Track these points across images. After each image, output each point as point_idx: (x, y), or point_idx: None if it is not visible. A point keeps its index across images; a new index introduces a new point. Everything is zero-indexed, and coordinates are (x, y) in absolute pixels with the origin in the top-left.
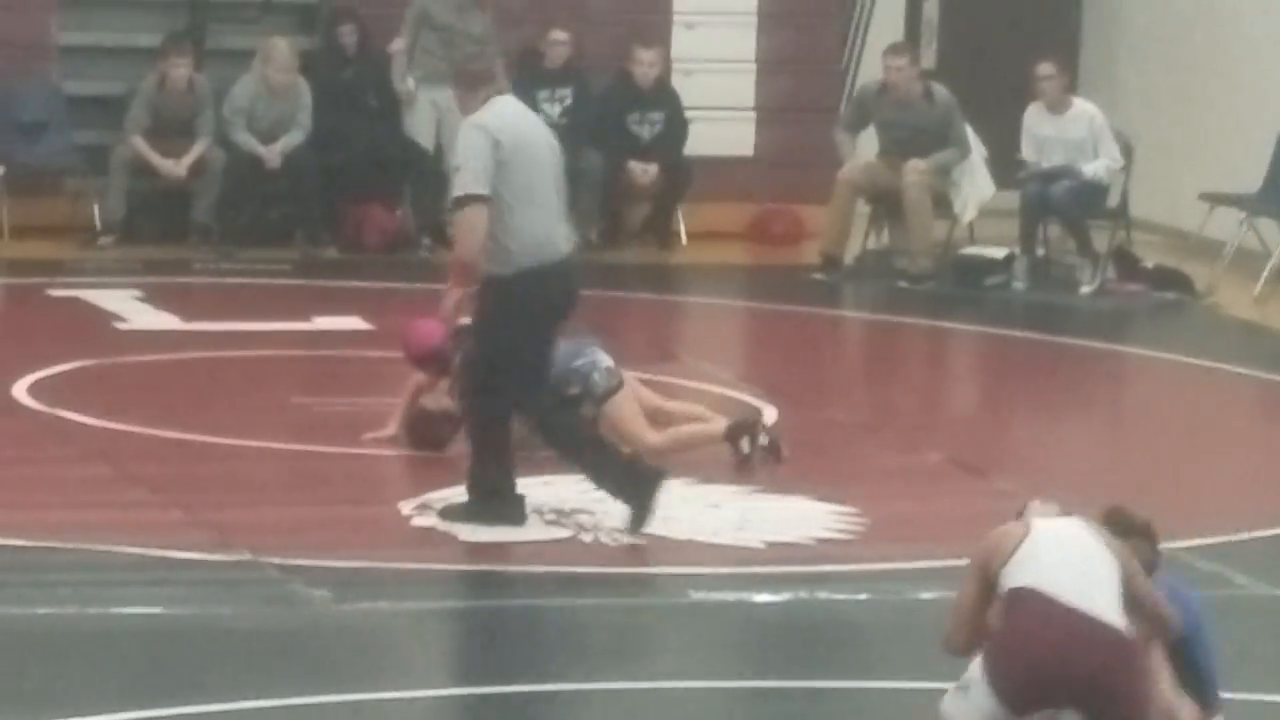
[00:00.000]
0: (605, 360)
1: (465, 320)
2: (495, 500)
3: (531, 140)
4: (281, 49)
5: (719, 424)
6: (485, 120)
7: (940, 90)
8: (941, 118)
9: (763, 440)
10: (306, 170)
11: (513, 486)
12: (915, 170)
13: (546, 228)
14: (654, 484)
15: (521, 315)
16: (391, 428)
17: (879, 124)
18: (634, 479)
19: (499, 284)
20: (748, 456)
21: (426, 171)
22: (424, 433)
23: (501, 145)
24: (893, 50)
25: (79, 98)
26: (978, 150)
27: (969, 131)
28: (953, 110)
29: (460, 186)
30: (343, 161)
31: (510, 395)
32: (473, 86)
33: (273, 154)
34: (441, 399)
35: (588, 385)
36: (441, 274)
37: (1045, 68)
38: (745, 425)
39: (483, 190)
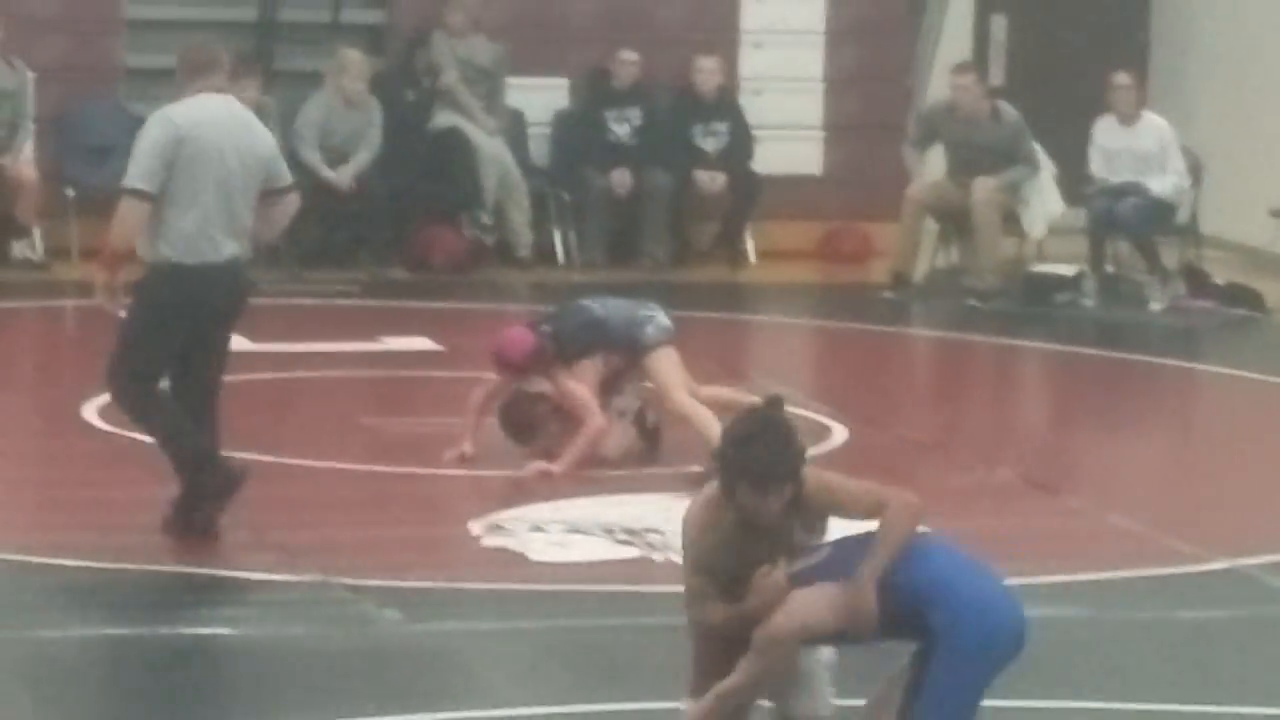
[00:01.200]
0: (665, 320)
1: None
2: (203, 474)
3: (214, 143)
4: (355, 59)
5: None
6: (174, 114)
7: (1007, 108)
8: (1009, 136)
9: None
10: (374, 191)
11: (209, 451)
12: (984, 188)
13: (201, 229)
14: (221, 482)
15: (158, 308)
16: (469, 444)
17: (947, 143)
18: (201, 468)
19: (147, 273)
20: None
21: (475, 169)
22: (519, 415)
23: (182, 142)
24: (959, 69)
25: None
26: (1046, 167)
27: (1037, 149)
28: (1020, 128)
29: (127, 177)
30: (409, 182)
31: (147, 371)
32: (188, 75)
33: (344, 177)
34: (538, 383)
35: (640, 335)
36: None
37: (1121, 77)
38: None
39: (145, 187)
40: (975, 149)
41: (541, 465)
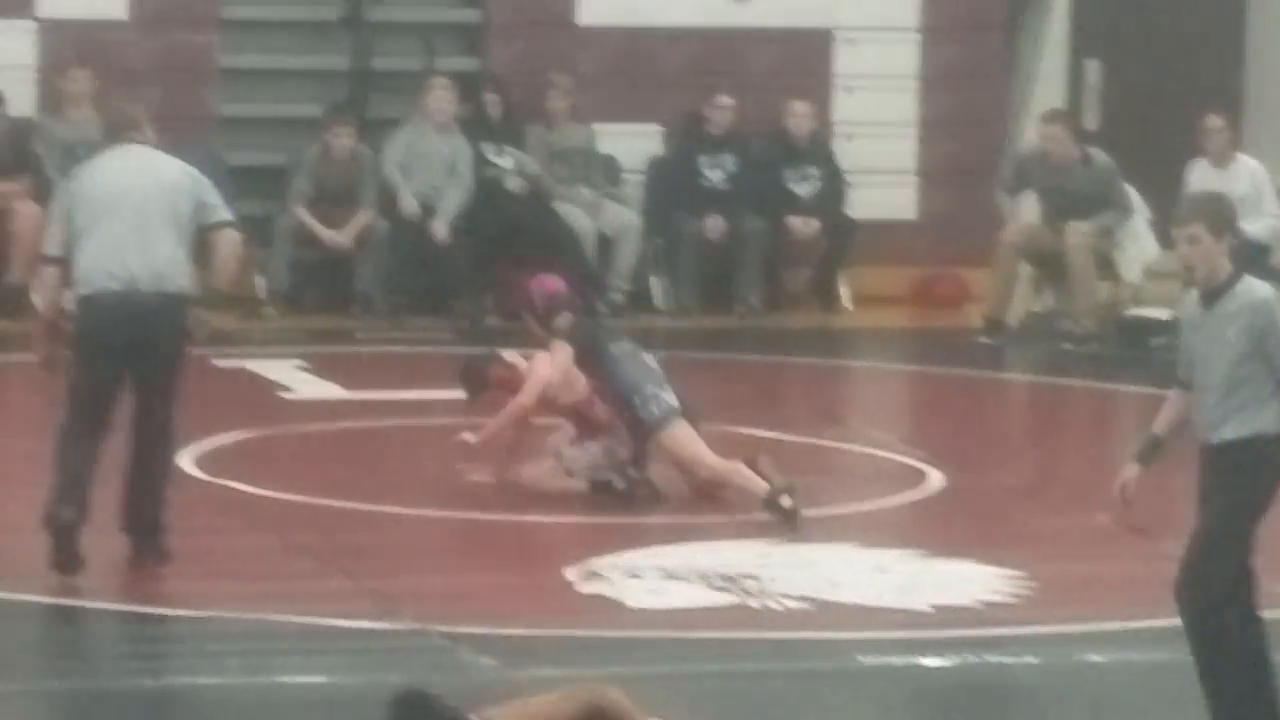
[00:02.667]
0: (670, 400)
1: None
2: (55, 508)
3: (104, 186)
4: (440, 84)
5: (759, 486)
6: (79, 175)
7: (1098, 154)
8: (1100, 181)
9: (786, 503)
10: (467, 239)
11: (72, 497)
12: (1078, 233)
13: (97, 259)
14: (58, 545)
15: (78, 340)
16: (483, 434)
17: (1039, 189)
18: (72, 485)
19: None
20: (789, 512)
21: (574, 243)
22: (476, 370)
23: (74, 195)
24: (1048, 118)
25: (241, 168)
26: (1141, 212)
27: (1131, 193)
28: (1111, 173)
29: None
30: (500, 230)
31: (75, 405)
32: (107, 136)
33: (440, 228)
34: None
35: (644, 413)
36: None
37: (1213, 120)
38: (778, 491)
39: (50, 252)
40: (1067, 195)
41: (465, 436)
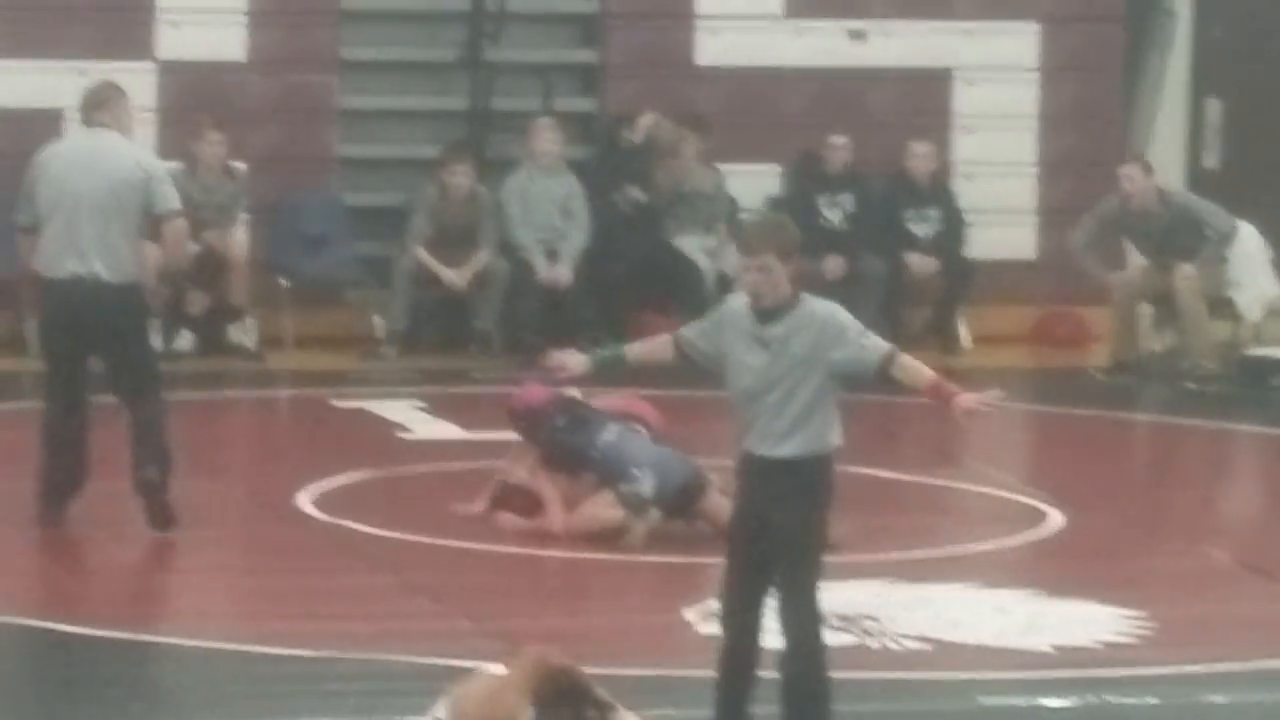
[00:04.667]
0: (647, 487)
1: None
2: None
3: (61, 171)
4: (545, 124)
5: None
6: (41, 152)
7: (1172, 191)
8: (1181, 216)
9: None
10: (584, 279)
11: (59, 486)
12: (1184, 276)
13: (53, 247)
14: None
15: (41, 317)
16: (479, 504)
17: (1130, 236)
18: (56, 490)
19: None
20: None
21: (694, 281)
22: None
23: (37, 174)
24: (1125, 164)
25: (360, 209)
26: (1261, 251)
27: (1247, 228)
28: (1186, 206)
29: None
30: (618, 270)
31: (50, 379)
32: (82, 114)
33: (564, 272)
34: (519, 472)
35: (629, 488)
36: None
37: None
38: None
39: (20, 219)
40: (1154, 237)
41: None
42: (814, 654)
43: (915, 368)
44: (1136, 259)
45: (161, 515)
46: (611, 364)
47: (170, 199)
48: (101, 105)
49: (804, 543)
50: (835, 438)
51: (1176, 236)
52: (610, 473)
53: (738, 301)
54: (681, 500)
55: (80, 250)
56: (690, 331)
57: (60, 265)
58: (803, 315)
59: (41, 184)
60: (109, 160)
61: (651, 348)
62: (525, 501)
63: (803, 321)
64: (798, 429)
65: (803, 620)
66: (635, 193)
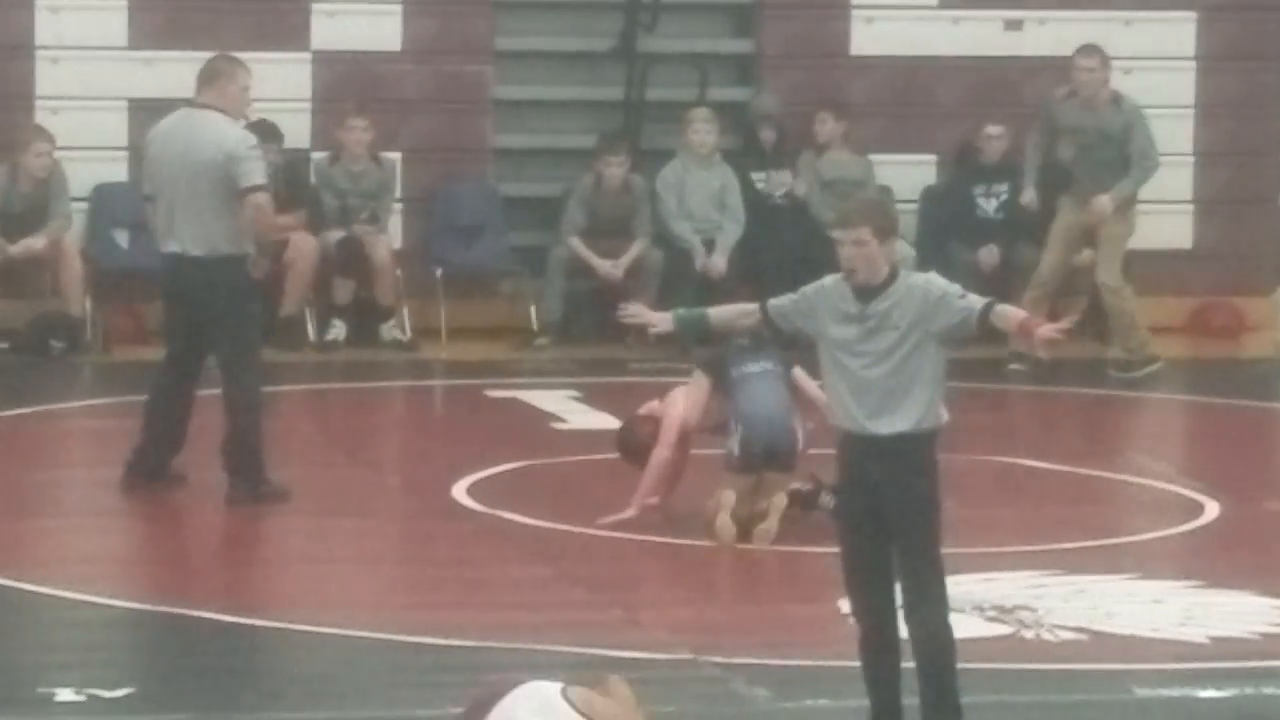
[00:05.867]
0: (735, 444)
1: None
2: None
3: (163, 150)
4: (699, 116)
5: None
6: (153, 131)
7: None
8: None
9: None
10: (741, 268)
11: (145, 457)
12: None
13: (158, 225)
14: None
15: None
16: (633, 509)
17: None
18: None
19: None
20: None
21: None
22: (630, 438)
23: (146, 149)
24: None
25: (515, 199)
26: None
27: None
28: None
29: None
30: (771, 259)
31: (168, 345)
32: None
33: (719, 262)
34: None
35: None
36: None
37: None
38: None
39: (147, 191)
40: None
41: (610, 519)
42: (943, 634)
43: (1011, 312)
44: None
45: (233, 495)
46: (694, 324)
47: (249, 175)
48: (208, 83)
49: (922, 517)
50: (941, 413)
51: None
52: (726, 413)
53: (834, 280)
54: (769, 464)
55: (175, 228)
56: (781, 302)
57: (164, 242)
58: (901, 290)
59: (146, 162)
60: (194, 140)
61: (735, 313)
62: (654, 430)
63: (902, 295)
64: (909, 404)
65: (930, 602)
66: (784, 180)
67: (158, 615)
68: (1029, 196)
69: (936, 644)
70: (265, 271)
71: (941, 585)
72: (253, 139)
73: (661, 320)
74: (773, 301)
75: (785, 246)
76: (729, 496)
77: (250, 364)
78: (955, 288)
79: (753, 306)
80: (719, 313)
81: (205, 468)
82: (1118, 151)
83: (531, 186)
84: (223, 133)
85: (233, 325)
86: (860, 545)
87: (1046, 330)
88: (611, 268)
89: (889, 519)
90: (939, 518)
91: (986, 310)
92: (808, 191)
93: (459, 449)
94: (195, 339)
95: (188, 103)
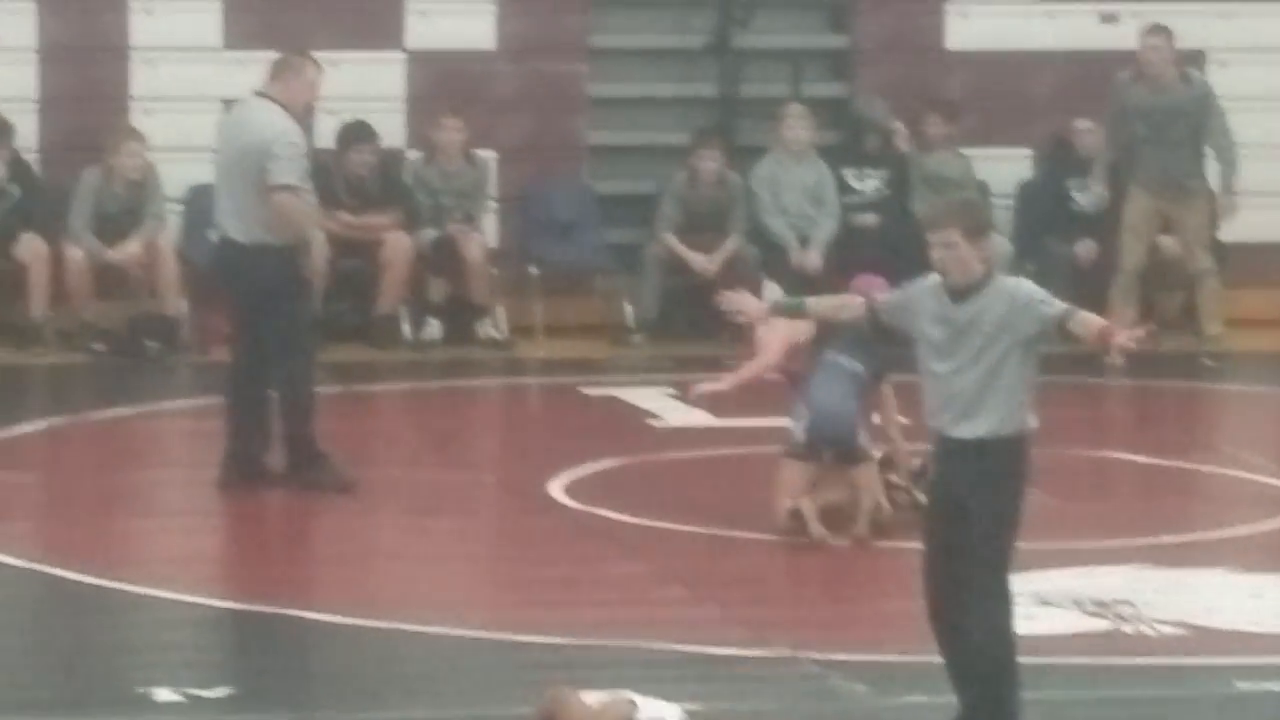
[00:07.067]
0: (799, 431)
1: None
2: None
3: (220, 137)
4: (794, 112)
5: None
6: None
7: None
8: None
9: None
10: (834, 264)
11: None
12: None
13: (217, 210)
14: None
15: None
16: (725, 383)
17: None
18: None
19: None
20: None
21: None
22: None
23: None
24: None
25: (610, 197)
26: None
27: None
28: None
29: None
30: (867, 255)
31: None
32: None
33: (813, 258)
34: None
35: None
36: None
37: None
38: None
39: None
40: None
41: (703, 388)
42: (1001, 641)
43: (1089, 321)
44: None
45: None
46: (791, 312)
47: (278, 173)
48: (275, 76)
49: (996, 526)
50: (1030, 418)
51: None
52: (797, 395)
53: (933, 280)
54: (834, 455)
55: (223, 213)
56: (887, 297)
57: (215, 228)
58: (993, 293)
59: (218, 153)
60: (243, 128)
61: (835, 304)
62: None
63: (993, 298)
64: (991, 409)
65: (991, 606)
66: (876, 180)
67: (256, 615)
68: (1095, 194)
69: (985, 656)
70: (314, 271)
71: (1001, 595)
72: (295, 137)
73: (757, 308)
74: (878, 296)
75: (883, 242)
76: (798, 486)
77: (292, 355)
78: (1041, 293)
79: (856, 299)
80: (818, 302)
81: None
82: (1191, 129)
83: (626, 184)
84: (267, 123)
85: (273, 314)
86: (935, 545)
87: (1122, 338)
88: (706, 263)
89: (966, 522)
90: (1011, 527)
91: (1064, 319)
92: (908, 188)
93: (555, 447)
94: (248, 325)
95: (257, 93)
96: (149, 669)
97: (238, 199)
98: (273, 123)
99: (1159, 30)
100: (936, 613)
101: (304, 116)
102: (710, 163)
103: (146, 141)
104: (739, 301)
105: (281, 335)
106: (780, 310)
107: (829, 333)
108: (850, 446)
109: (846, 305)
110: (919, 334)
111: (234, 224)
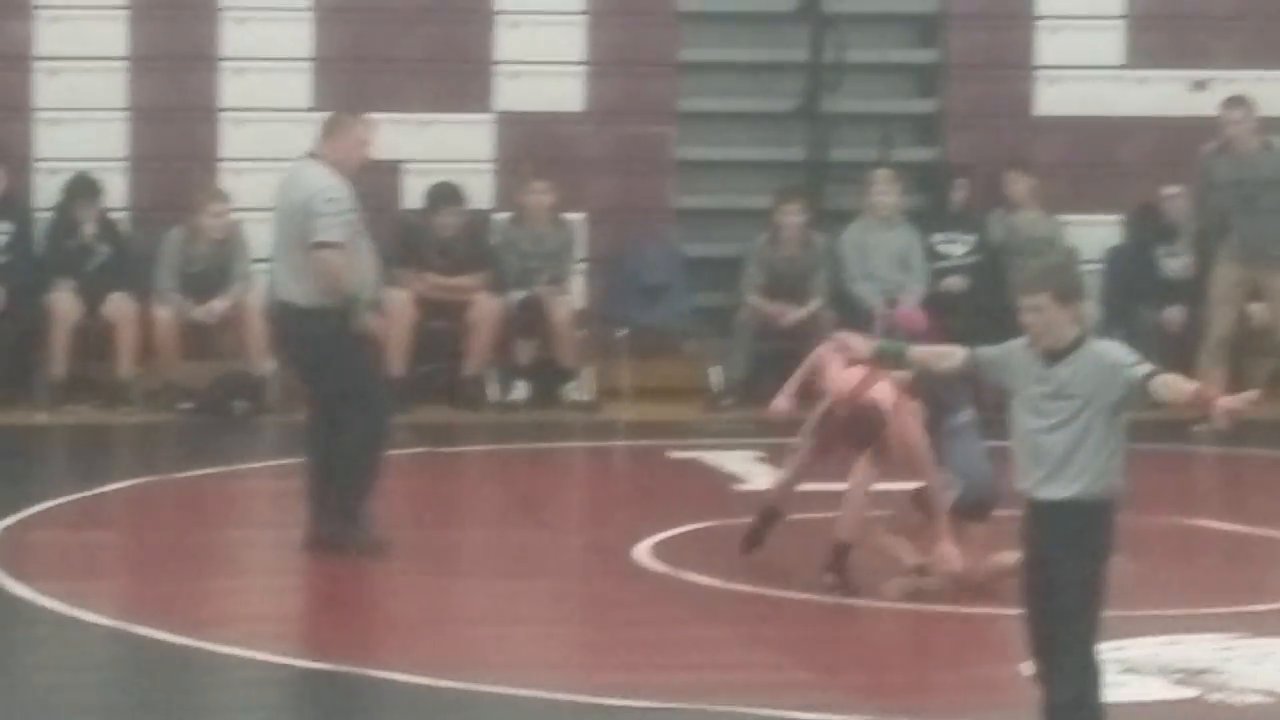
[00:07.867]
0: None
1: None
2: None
3: (279, 201)
4: (882, 176)
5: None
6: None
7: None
8: None
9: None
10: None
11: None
12: None
13: (272, 269)
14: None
15: None
16: (783, 401)
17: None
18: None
19: None
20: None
21: None
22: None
23: None
24: None
25: (698, 260)
26: None
27: None
28: None
29: None
30: (957, 321)
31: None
32: None
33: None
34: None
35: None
36: None
37: None
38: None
39: None
40: None
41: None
42: (1085, 711)
43: (1178, 382)
44: None
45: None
46: (893, 355)
47: (319, 231)
48: (324, 136)
49: (1083, 597)
50: (1118, 482)
51: None
52: (939, 461)
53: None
54: (972, 515)
55: (276, 274)
56: (989, 351)
57: (273, 289)
58: (1086, 356)
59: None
60: (291, 188)
61: (939, 353)
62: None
63: (1086, 362)
64: (1078, 470)
65: (1075, 676)
66: (963, 245)
67: (339, 675)
68: (1184, 262)
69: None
70: (372, 328)
71: (1083, 659)
72: (336, 193)
73: (862, 346)
74: (981, 348)
75: (973, 307)
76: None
77: (359, 414)
78: (1130, 357)
79: (958, 350)
80: (920, 351)
81: (388, 526)
82: (1278, 198)
83: (714, 247)
84: (311, 182)
85: (330, 374)
86: (1033, 610)
87: (1228, 401)
88: (794, 315)
89: (1053, 588)
90: (1097, 595)
91: (1149, 378)
92: (997, 250)
93: (641, 509)
94: (308, 385)
95: (309, 154)
96: None
97: (287, 259)
98: (315, 180)
99: (1238, 103)
100: (1040, 678)
101: (355, 175)
102: (793, 218)
103: (232, 201)
104: (845, 338)
105: (340, 396)
106: (883, 354)
107: (927, 390)
108: (991, 510)
109: (946, 354)
110: (1016, 392)
111: (286, 285)
